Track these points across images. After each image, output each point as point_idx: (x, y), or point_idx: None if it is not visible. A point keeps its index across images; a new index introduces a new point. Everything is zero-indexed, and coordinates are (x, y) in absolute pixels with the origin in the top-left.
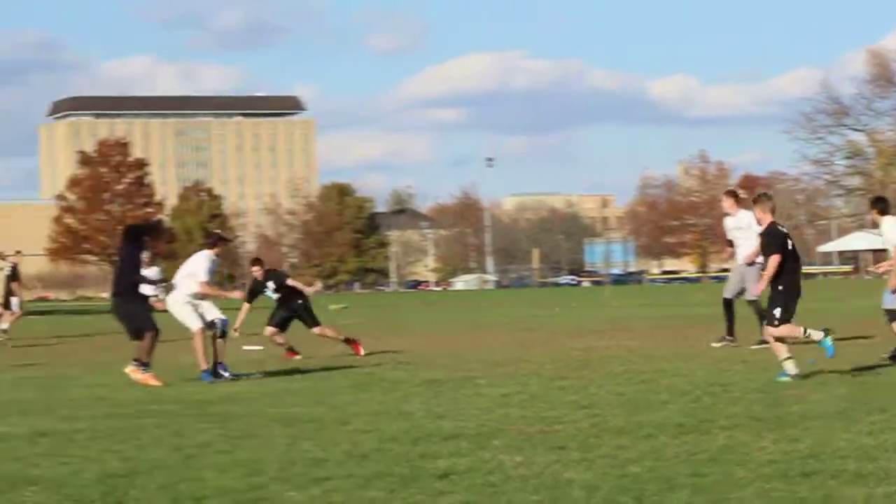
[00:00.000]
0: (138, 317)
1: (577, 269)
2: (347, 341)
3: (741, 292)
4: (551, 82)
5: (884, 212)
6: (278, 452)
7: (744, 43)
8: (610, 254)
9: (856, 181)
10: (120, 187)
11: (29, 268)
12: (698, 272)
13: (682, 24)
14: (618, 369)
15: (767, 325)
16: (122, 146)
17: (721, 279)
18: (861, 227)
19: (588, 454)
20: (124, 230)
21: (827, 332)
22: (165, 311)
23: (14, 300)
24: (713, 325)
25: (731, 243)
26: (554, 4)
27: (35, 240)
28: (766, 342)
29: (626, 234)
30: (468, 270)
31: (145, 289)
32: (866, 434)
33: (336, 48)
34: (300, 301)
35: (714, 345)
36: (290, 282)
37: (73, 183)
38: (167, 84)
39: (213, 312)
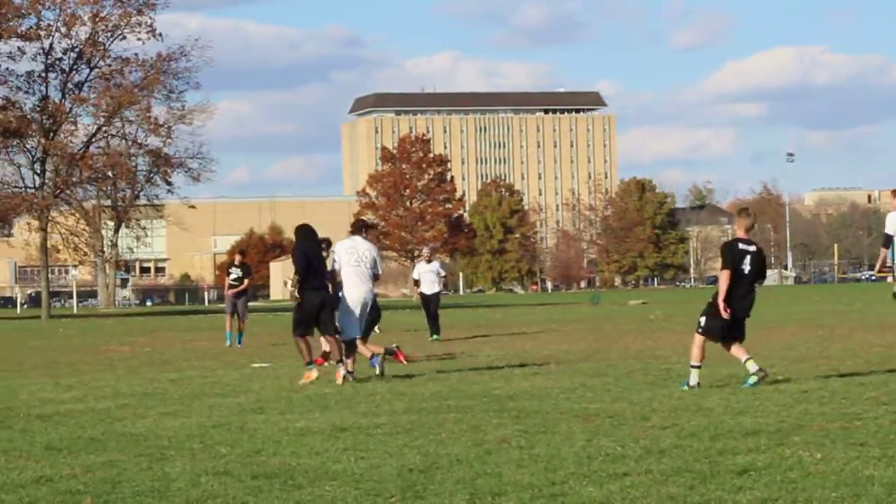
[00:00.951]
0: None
1: None
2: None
3: None
4: (852, 77)
5: None
6: (576, 448)
7: None
8: None
9: None
10: (420, 183)
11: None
12: None
13: None
14: None
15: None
16: (424, 142)
17: None
18: None
19: (889, 451)
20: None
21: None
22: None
23: None
24: None
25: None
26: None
27: (336, 236)
28: None
29: None
30: (767, 266)
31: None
32: None
33: (638, 44)
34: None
35: None
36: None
37: (374, 179)
38: (468, 80)
39: None
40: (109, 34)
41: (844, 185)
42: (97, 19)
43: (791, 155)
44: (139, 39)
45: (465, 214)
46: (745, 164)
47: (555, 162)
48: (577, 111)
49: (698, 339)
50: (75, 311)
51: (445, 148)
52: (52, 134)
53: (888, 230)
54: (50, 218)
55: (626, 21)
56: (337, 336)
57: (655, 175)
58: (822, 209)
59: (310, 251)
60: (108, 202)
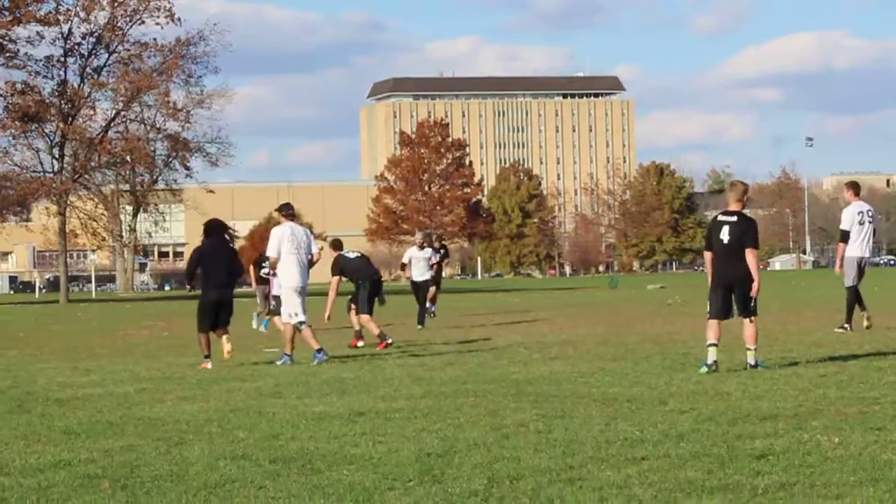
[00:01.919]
0: None
1: None
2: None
3: None
4: (873, 61)
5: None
6: (594, 432)
7: None
8: None
9: None
10: (439, 168)
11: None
12: None
13: None
14: None
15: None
16: (443, 127)
17: None
18: None
19: None
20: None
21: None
22: None
23: None
24: None
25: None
26: None
27: (355, 220)
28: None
29: None
30: (786, 250)
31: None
32: None
33: (658, 28)
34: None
35: None
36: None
37: (393, 163)
38: (489, 65)
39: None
40: (128, 19)
41: (863, 170)
42: (116, 4)
43: (810, 139)
44: (158, 24)
45: (484, 199)
46: (764, 148)
47: (573, 146)
48: (596, 95)
49: (710, 322)
50: (93, 295)
51: (464, 132)
52: (70, 119)
53: (844, 226)
54: (68, 202)
55: (646, 5)
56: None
57: (674, 159)
58: (841, 193)
59: (207, 249)
60: (127, 187)
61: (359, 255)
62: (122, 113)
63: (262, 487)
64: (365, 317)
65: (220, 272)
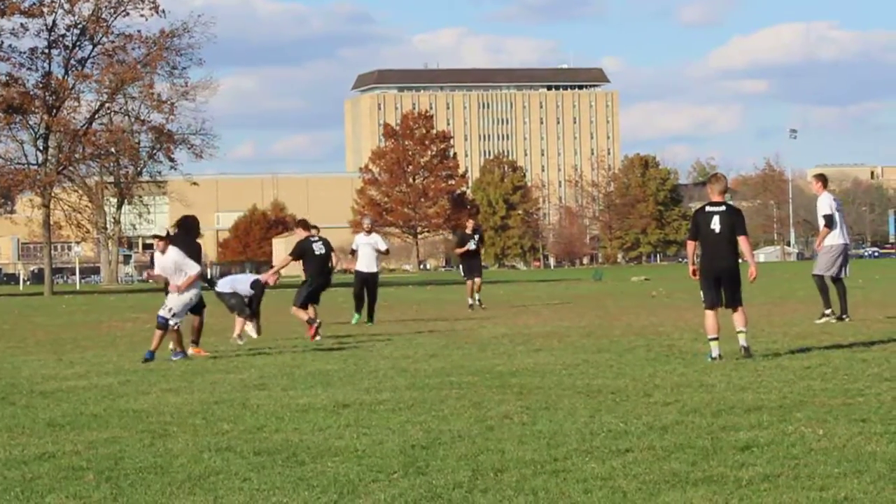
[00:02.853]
0: None
1: (881, 241)
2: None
3: None
4: (858, 53)
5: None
6: (579, 424)
7: None
8: None
9: None
10: (423, 160)
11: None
12: None
13: None
14: None
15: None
16: (427, 119)
17: None
18: None
19: (891, 427)
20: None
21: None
22: None
23: None
24: None
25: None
26: None
27: (339, 212)
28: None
29: None
30: (770, 242)
31: None
32: None
33: (644, 19)
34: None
35: None
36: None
37: (377, 155)
38: (474, 56)
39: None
40: (112, 10)
41: (848, 162)
42: None
43: (794, 131)
44: (142, 16)
45: (468, 191)
46: (749, 140)
47: (558, 138)
48: (581, 87)
49: (707, 313)
50: (78, 287)
51: (448, 124)
52: (55, 110)
53: (826, 211)
54: (53, 194)
55: None
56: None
57: (659, 151)
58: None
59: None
60: (111, 179)
61: (323, 252)
62: (107, 105)
63: (247, 479)
64: (295, 308)
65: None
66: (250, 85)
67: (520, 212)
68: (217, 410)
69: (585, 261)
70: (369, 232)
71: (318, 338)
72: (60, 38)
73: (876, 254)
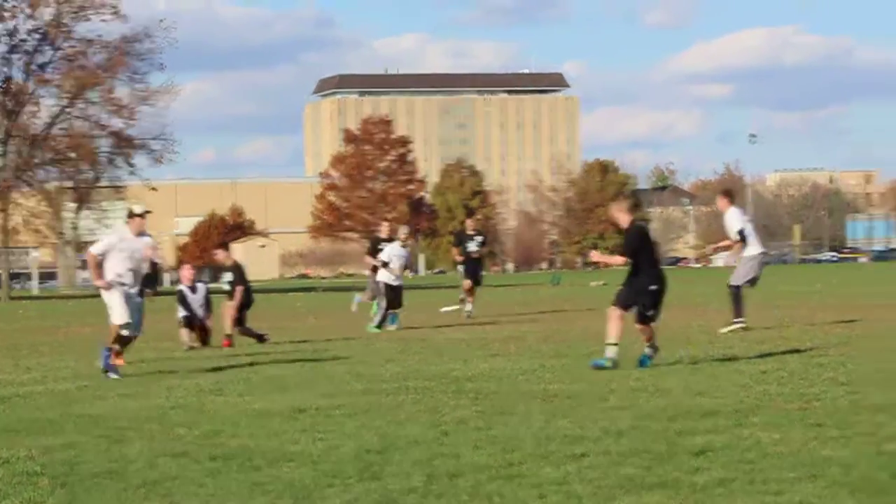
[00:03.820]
0: None
1: (839, 246)
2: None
3: None
4: (822, 58)
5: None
6: (535, 429)
7: None
8: (872, 230)
9: None
10: (383, 164)
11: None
12: None
13: None
14: (878, 346)
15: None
16: (386, 124)
17: None
18: None
19: (846, 431)
20: None
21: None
22: None
23: None
24: None
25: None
26: None
27: (299, 217)
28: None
29: (888, 210)
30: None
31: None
32: None
33: (607, 23)
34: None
35: None
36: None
37: (337, 160)
38: (436, 61)
39: None
40: (74, 15)
41: (807, 167)
42: (62, 1)
43: (754, 136)
44: (103, 20)
45: (427, 195)
46: (710, 145)
47: (518, 143)
48: (542, 92)
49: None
50: (35, 292)
51: (408, 129)
52: (14, 115)
53: (738, 226)
54: (11, 199)
55: (595, 2)
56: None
57: (619, 156)
58: (784, 190)
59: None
60: (70, 184)
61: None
62: (67, 110)
63: (202, 485)
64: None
65: None
66: (212, 89)
67: (479, 216)
68: (173, 415)
69: (544, 266)
70: (405, 243)
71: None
72: (21, 43)
73: (834, 258)
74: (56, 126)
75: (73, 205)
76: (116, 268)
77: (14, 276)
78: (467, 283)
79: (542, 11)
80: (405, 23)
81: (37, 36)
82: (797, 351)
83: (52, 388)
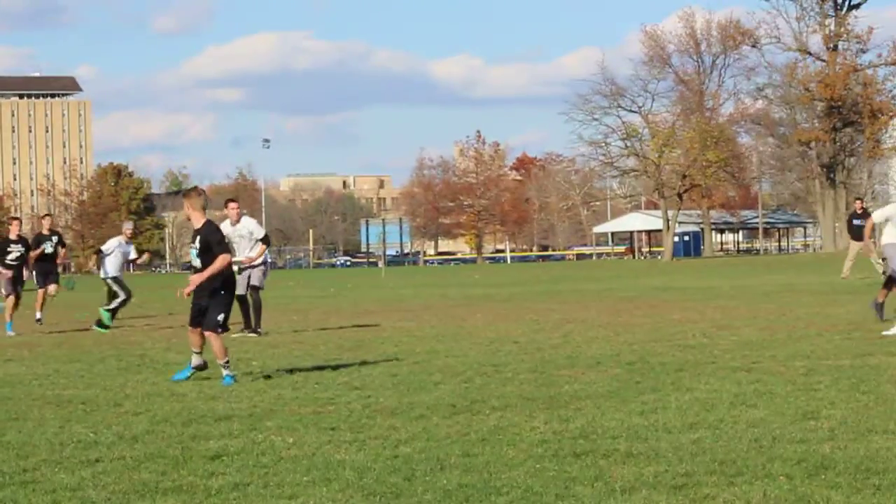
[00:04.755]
0: None
1: (353, 251)
2: None
3: None
4: (335, 63)
5: None
6: (48, 435)
7: (528, 22)
8: (386, 235)
9: (631, 162)
10: None
11: None
12: (473, 253)
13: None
14: (391, 350)
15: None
16: None
17: (497, 260)
18: (636, 207)
19: (360, 435)
20: None
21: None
22: None
23: None
24: (489, 305)
25: None
26: None
27: None
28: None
29: (402, 215)
30: None
31: None
32: (637, 414)
33: (119, 28)
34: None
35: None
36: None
37: None
38: None
39: None
40: None
41: (320, 171)
42: None
43: (267, 141)
44: None
45: None
46: (223, 149)
47: (30, 147)
48: (53, 96)
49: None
50: None
51: None
52: None
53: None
54: None
55: (108, 5)
56: None
57: (133, 160)
58: (298, 195)
59: None
60: None
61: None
62: None
63: None
64: None
65: None
66: None
67: None
68: None
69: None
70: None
71: None
72: None
73: (348, 263)
74: None
75: None
76: None
77: None
78: (41, 292)
79: (52, 15)
80: None
81: None
82: (312, 354)
83: None
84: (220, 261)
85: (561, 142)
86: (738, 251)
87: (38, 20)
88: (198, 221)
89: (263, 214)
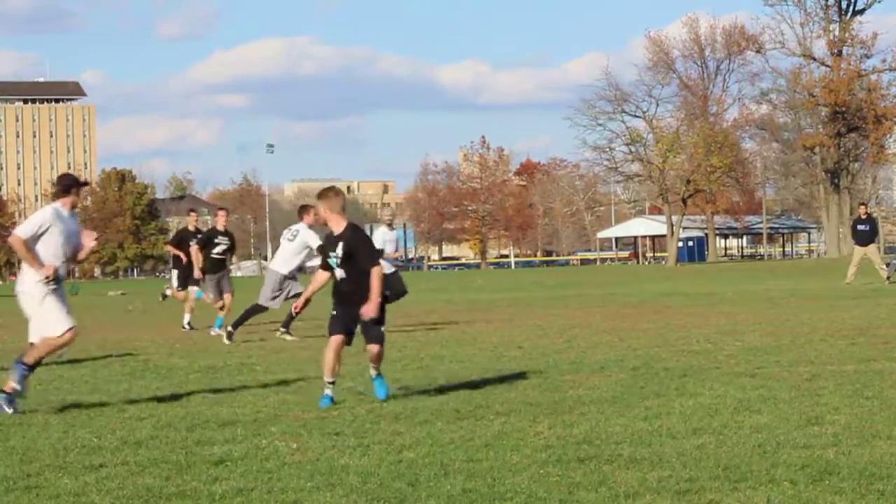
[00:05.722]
0: None
1: None
2: None
3: None
4: (341, 69)
5: None
6: (52, 439)
7: (534, 27)
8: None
9: (635, 168)
10: None
11: None
12: (477, 258)
13: (474, 9)
14: (395, 355)
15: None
16: None
17: (501, 265)
18: (640, 212)
19: (364, 440)
20: None
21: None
22: None
23: None
24: (493, 310)
25: None
26: None
27: None
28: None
29: (406, 220)
30: (247, 256)
31: None
32: (641, 419)
33: (125, 33)
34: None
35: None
36: None
37: None
38: None
39: None
40: None
41: (325, 176)
42: None
43: (271, 146)
44: None
45: None
46: (229, 155)
47: (34, 152)
48: (58, 101)
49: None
50: None
51: None
52: None
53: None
54: None
55: (113, 10)
56: None
57: (138, 166)
58: (302, 200)
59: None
60: None
61: None
62: None
63: None
64: None
65: None
66: None
67: None
68: None
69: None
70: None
71: None
72: None
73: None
74: None
75: None
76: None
77: None
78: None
79: (59, 20)
80: None
81: None
82: (315, 360)
83: None
84: (377, 275)
85: (565, 147)
86: (743, 256)
87: (43, 25)
88: (338, 225)
89: (267, 220)
